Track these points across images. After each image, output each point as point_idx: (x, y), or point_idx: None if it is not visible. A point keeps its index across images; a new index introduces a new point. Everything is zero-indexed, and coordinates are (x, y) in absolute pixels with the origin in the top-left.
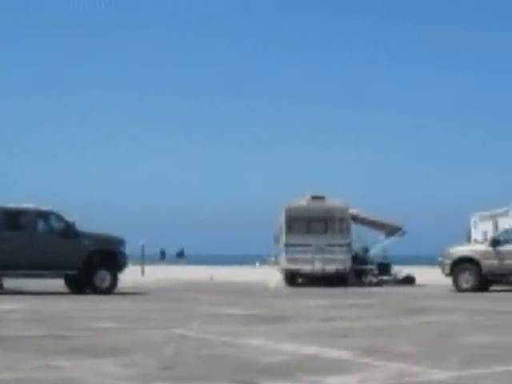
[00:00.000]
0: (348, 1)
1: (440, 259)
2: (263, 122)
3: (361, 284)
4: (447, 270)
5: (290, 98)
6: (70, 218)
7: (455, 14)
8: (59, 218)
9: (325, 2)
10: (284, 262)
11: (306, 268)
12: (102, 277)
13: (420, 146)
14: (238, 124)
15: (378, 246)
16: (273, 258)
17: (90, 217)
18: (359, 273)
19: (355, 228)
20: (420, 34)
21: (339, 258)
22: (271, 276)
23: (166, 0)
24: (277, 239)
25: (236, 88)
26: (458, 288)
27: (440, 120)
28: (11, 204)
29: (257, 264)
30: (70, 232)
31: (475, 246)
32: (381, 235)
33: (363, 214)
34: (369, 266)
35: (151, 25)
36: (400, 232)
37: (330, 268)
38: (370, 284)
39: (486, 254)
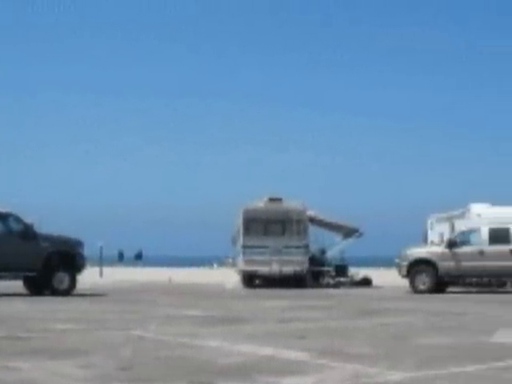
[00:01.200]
0: (305, 2)
1: (397, 261)
2: (221, 124)
3: (318, 285)
4: (404, 272)
5: (248, 99)
6: (28, 220)
7: (412, 16)
8: (18, 219)
9: (282, 3)
10: (241, 264)
11: (263, 269)
12: (61, 278)
13: (377, 147)
14: (196, 125)
15: (335, 247)
16: (230, 260)
17: (49, 218)
18: (316, 274)
19: (312, 230)
20: (377, 36)
21: (296, 260)
22: (229, 277)
23: (123, 2)
24: (234, 241)
25: (194, 89)
26: (415, 289)
27: (397, 122)
28: None
29: (215, 266)
30: (28, 234)
31: (432, 248)
32: (338, 237)
33: (320, 216)
34: (326, 268)
35: (108, 27)
36: (357, 234)
37: (288, 269)
38: (327, 285)
39: (442, 256)
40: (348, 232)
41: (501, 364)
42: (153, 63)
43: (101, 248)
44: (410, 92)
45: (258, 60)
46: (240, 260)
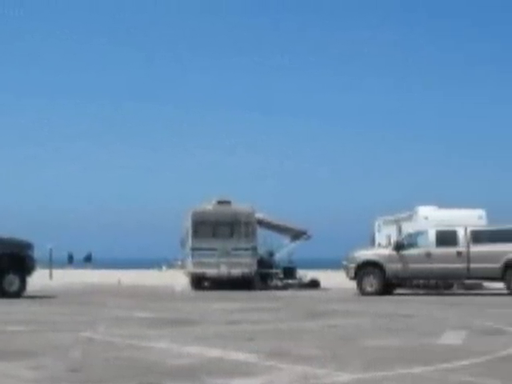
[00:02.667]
0: (255, 6)
1: (344, 263)
2: (171, 128)
3: (266, 287)
4: (351, 274)
5: (198, 103)
6: None
7: (361, 20)
8: None
9: (232, 6)
10: (190, 266)
11: (211, 272)
12: (11, 281)
13: (325, 151)
14: (146, 129)
15: (284, 249)
16: (179, 262)
17: None
18: (265, 276)
19: (261, 232)
20: (326, 40)
21: (245, 262)
22: (177, 280)
23: (75, 6)
24: (183, 243)
25: (144, 93)
26: (363, 291)
27: (345, 125)
28: None
29: (163, 268)
30: None
31: (379, 250)
32: (286, 239)
33: (269, 219)
34: (274, 270)
35: (59, 30)
36: (305, 236)
37: (236, 272)
38: (276, 287)
39: (389, 258)
40: (296, 234)
41: (447, 365)
42: (103, 67)
43: (50, 250)
44: (357, 96)
45: (207, 64)
46: (189, 262)
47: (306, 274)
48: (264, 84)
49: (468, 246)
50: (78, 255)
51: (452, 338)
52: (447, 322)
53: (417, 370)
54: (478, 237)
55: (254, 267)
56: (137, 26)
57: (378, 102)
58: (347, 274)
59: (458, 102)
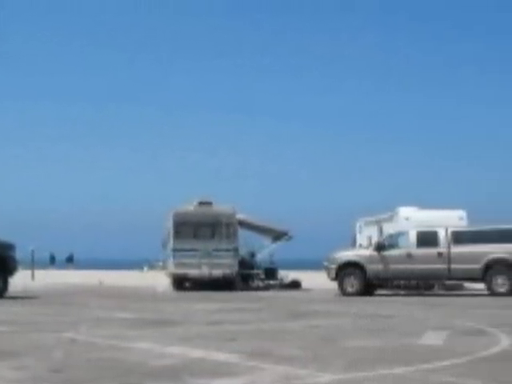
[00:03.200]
0: (236, 8)
1: (325, 264)
2: (153, 129)
3: (247, 288)
4: (333, 275)
5: (179, 105)
6: None
7: (344, 22)
8: None
9: (213, 8)
10: (171, 267)
11: (193, 272)
12: None
13: (306, 152)
14: (128, 131)
15: (265, 250)
16: (161, 263)
17: None
18: (246, 277)
19: (242, 233)
20: (309, 42)
21: (226, 263)
22: (159, 280)
23: (55, 8)
24: (165, 244)
25: (125, 95)
26: (344, 292)
27: (326, 126)
28: None
29: (145, 269)
30: None
31: (360, 251)
32: (267, 240)
33: (250, 220)
34: (255, 271)
35: (42, 32)
36: (286, 237)
37: (217, 272)
38: (257, 288)
39: (370, 259)
40: (277, 235)
41: (428, 366)
42: (85, 69)
43: (32, 251)
44: (339, 98)
45: (189, 66)
46: (170, 263)
47: (287, 275)
48: (245, 86)
49: (449, 247)
50: (60, 256)
51: (433, 338)
52: (428, 323)
53: (398, 370)
54: (458, 237)
55: (236, 268)
56: (118, 29)
57: (359, 103)
58: (328, 274)
59: (438, 104)
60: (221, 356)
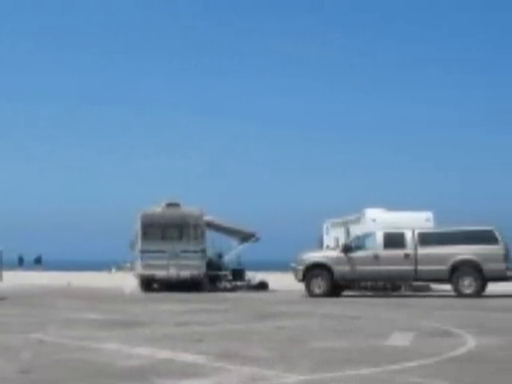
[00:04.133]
0: (201, 9)
1: (293, 265)
2: (122, 130)
3: (215, 289)
4: (300, 276)
5: (148, 106)
6: None
7: (306, 23)
8: None
9: (178, 10)
10: (139, 268)
11: (161, 274)
12: None
13: (272, 152)
14: (98, 132)
15: (232, 252)
16: (128, 264)
17: None
18: (213, 278)
19: (210, 234)
20: (271, 44)
21: (194, 264)
22: (127, 282)
23: (27, 9)
24: (133, 245)
25: (96, 96)
26: (311, 293)
27: (292, 127)
28: None
29: (113, 270)
30: None
31: (327, 252)
32: (235, 241)
33: (217, 221)
34: (223, 272)
35: (13, 34)
36: (253, 238)
37: (185, 274)
38: (224, 289)
39: (337, 260)
40: (245, 237)
41: (395, 367)
42: (57, 70)
43: (0, 253)
44: (303, 98)
45: (156, 67)
46: (138, 264)
47: (254, 276)
48: (210, 86)
49: (415, 248)
50: (29, 257)
51: (400, 339)
52: (395, 324)
53: (365, 371)
54: (425, 239)
55: (203, 269)
56: (88, 30)
57: (324, 104)
58: (296, 275)
59: (404, 104)
60: (188, 357)
